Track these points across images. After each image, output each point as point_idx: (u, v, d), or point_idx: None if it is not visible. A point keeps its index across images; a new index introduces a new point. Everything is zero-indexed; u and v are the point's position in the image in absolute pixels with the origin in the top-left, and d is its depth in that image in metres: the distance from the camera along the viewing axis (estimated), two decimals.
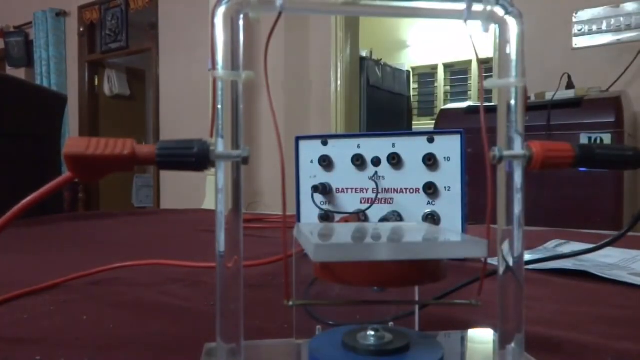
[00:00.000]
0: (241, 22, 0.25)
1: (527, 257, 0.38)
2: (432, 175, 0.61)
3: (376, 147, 0.63)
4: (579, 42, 2.29)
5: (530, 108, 1.80)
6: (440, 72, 4.96)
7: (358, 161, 0.63)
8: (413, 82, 4.93)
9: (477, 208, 0.52)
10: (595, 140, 1.66)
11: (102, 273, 0.55)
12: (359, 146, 0.64)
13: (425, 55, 4.91)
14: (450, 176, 0.60)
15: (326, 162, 0.65)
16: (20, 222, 1.12)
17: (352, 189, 0.64)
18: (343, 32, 3.04)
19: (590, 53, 2.27)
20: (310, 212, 0.65)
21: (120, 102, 5.27)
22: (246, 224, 0.93)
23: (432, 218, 0.60)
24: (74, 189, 4.55)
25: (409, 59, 4.99)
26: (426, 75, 5.05)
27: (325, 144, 0.65)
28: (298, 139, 0.66)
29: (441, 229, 0.32)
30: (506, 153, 0.26)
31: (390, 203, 0.62)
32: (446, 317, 0.36)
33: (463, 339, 0.32)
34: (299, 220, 0.67)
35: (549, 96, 1.86)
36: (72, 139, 0.25)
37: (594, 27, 2.24)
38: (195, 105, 3.65)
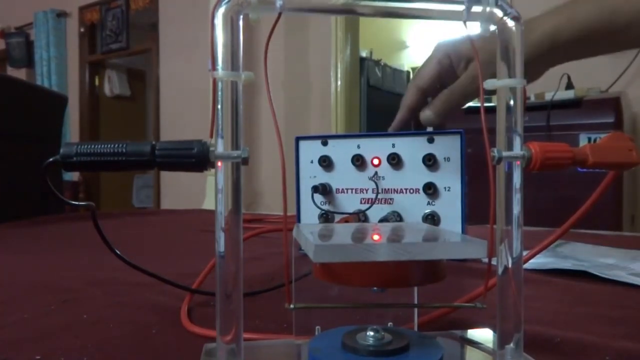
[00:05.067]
0: (241, 23, 0.25)
1: (535, 260, 0.38)
2: (432, 175, 0.61)
3: (376, 147, 0.63)
4: None
5: (530, 108, 1.80)
6: None
7: (358, 161, 0.63)
8: None
9: (477, 208, 0.53)
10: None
11: (102, 273, 0.55)
12: (359, 146, 0.64)
13: (425, 55, 4.87)
14: (450, 176, 0.60)
15: (326, 163, 0.65)
16: (20, 222, 1.12)
17: (352, 189, 0.64)
18: (343, 32, 3.05)
19: None
20: (310, 213, 0.65)
21: (120, 102, 5.27)
22: (246, 224, 0.94)
23: (432, 218, 0.60)
24: (74, 189, 4.55)
25: (409, 60, 4.98)
26: None
27: (325, 144, 0.65)
28: (298, 139, 0.66)
29: (441, 230, 0.32)
30: (505, 154, 0.26)
31: (390, 203, 0.62)
32: (445, 318, 0.36)
33: (462, 339, 0.32)
34: (299, 220, 0.67)
35: (548, 96, 1.86)
36: None
37: None
38: (195, 105, 3.65)
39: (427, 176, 0.61)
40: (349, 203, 0.64)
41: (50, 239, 0.95)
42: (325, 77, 3.09)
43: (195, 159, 0.26)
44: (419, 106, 0.62)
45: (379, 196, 0.62)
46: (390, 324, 0.31)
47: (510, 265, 0.26)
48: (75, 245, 0.85)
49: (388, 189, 0.62)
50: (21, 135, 1.36)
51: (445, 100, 0.60)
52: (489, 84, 0.27)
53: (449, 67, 0.62)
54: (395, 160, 0.62)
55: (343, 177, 0.65)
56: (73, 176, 4.54)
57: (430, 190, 0.60)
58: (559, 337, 0.34)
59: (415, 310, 0.33)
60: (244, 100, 0.25)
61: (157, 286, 0.46)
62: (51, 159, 0.28)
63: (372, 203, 0.62)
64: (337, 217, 0.64)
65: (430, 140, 0.61)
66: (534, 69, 0.54)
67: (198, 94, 3.55)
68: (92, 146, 0.27)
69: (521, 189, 0.26)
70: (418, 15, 0.27)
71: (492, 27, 0.26)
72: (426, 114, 0.60)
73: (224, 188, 0.25)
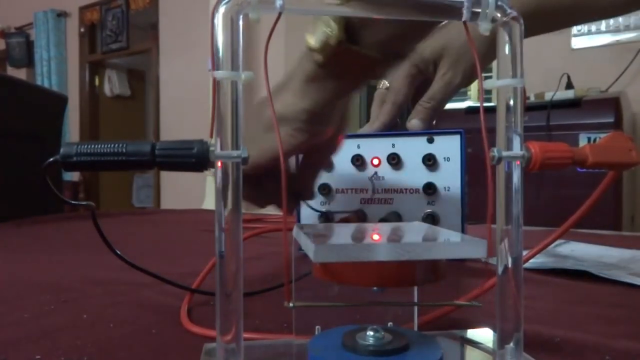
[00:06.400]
0: (241, 23, 0.25)
1: (535, 260, 0.38)
2: (431, 175, 0.61)
3: (376, 147, 0.63)
4: (578, 42, 2.29)
5: (530, 108, 1.80)
6: None
7: (358, 161, 0.63)
8: None
9: (477, 208, 0.53)
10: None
11: (102, 273, 0.55)
12: (358, 146, 0.64)
13: None
14: (450, 176, 0.60)
15: None
16: (21, 222, 1.12)
17: (352, 189, 0.64)
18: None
19: (589, 53, 2.27)
20: (310, 212, 0.65)
21: (120, 102, 5.27)
22: (246, 224, 0.94)
23: (432, 218, 0.60)
24: (74, 189, 4.55)
25: None
26: None
27: None
28: None
29: (441, 230, 0.32)
30: (505, 154, 0.26)
31: (390, 203, 0.62)
32: (445, 317, 0.36)
33: (462, 339, 0.32)
34: (299, 220, 0.67)
35: (548, 96, 1.87)
36: None
37: (593, 28, 2.24)
38: (195, 105, 3.65)
39: (427, 176, 0.61)
40: (349, 203, 0.64)
41: (50, 239, 0.95)
42: None
43: (195, 158, 0.26)
44: (394, 120, 0.67)
45: (379, 196, 0.63)
46: (390, 323, 0.31)
47: (510, 265, 0.26)
48: (75, 245, 0.85)
49: (388, 189, 0.62)
50: (21, 135, 1.36)
51: (429, 107, 0.64)
52: (489, 84, 0.27)
53: (419, 75, 0.66)
54: (395, 160, 0.62)
55: (343, 177, 0.65)
56: (73, 176, 4.55)
57: (430, 190, 0.60)
58: (559, 337, 0.34)
59: (415, 310, 0.33)
60: (244, 100, 0.25)
61: (157, 286, 0.46)
62: (51, 159, 0.28)
63: (369, 202, 0.63)
64: (337, 217, 0.64)
65: (430, 140, 0.61)
66: (490, 58, 0.57)
67: (198, 94, 3.55)
68: (92, 146, 0.27)
69: (521, 188, 0.26)
70: (417, 16, 0.27)
71: (489, 26, 0.26)
72: (414, 123, 0.64)
73: (224, 188, 0.25)
